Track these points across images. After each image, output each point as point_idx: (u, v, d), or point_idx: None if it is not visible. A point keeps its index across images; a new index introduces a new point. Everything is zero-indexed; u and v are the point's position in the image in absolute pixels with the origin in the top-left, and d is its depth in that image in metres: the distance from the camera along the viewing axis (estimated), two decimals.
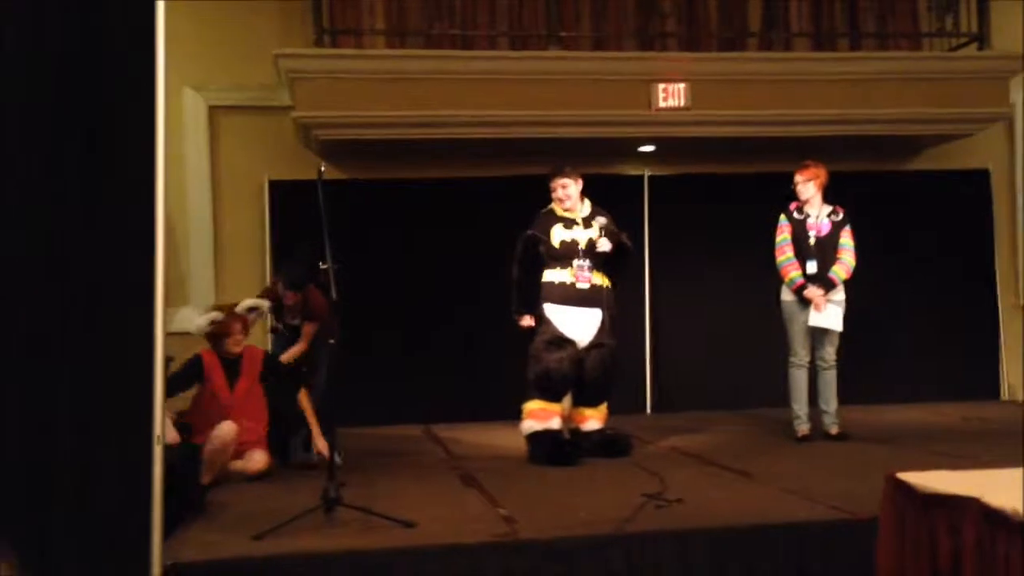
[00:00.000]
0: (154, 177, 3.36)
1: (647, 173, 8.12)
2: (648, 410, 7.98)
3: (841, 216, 6.17)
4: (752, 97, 7.34)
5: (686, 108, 7.28)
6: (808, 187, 6.12)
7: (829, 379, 6.15)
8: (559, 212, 5.72)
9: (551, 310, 5.61)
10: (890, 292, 7.96)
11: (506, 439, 6.07)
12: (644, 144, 7.88)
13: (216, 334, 5.40)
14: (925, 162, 8.46)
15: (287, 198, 7.52)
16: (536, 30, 7.55)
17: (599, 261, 5.68)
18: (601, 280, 5.70)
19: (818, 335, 6.11)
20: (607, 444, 5.71)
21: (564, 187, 5.68)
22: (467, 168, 7.82)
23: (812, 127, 7.48)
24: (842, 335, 6.14)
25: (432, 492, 4.80)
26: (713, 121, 7.37)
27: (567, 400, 5.78)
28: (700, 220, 7.98)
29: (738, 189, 7.97)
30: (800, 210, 6.17)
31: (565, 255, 5.64)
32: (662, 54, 7.58)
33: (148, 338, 3.33)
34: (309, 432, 5.44)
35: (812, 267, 6.05)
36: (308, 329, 5.92)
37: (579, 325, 5.61)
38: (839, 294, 6.08)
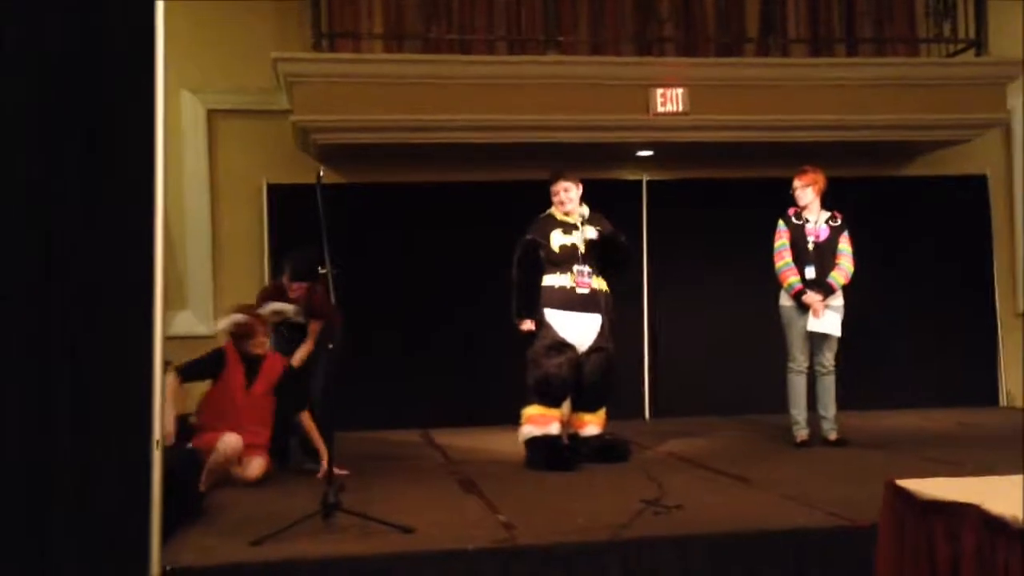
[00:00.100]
0: (153, 178, 3.37)
1: (645, 178, 8.12)
2: (647, 415, 7.98)
3: (839, 221, 6.18)
4: (750, 102, 7.35)
5: (684, 113, 7.28)
6: (806, 192, 6.13)
7: (828, 385, 6.15)
8: (558, 216, 5.73)
9: (551, 315, 5.61)
10: (888, 298, 7.97)
11: (504, 444, 6.06)
12: (642, 149, 7.89)
13: (239, 335, 5.40)
14: (923, 168, 8.47)
15: (285, 202, 7.52)
16: (534, 35, 7.56)
17: (598, 265, 5.68)
18: (601, 285, 5.70)
19: (817, 340, 6.11)
20: (606, 449, 5.70)
21: (566, 190, 5.68)
22: (465, 172, 7.83)
23: (810, 132, 7.49)
24: (840, 341, 6.14)
25: (431, 497, 4.79)
26: (711, 126, 7.38)
27: (566, 405, 5.78)
28: (698, 225, 7.99)
29: (736, 194, 7.98)
30: (798, 215, 6.17)
31: (564, 260, 5.64)
32: (660, 59, 7.59)
33: (147, 340, 3.33)
34: (307, 439, 5.43)
35: (810, 272, 6.05)
36: (314, 327, 5.87)
37: (579, 330, 5.61)
38: (838, 300, 6.09)
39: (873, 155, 8.16)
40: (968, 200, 8.43)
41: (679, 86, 7.27)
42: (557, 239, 5.67)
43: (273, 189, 7.67)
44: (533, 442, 5.59)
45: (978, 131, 7.92)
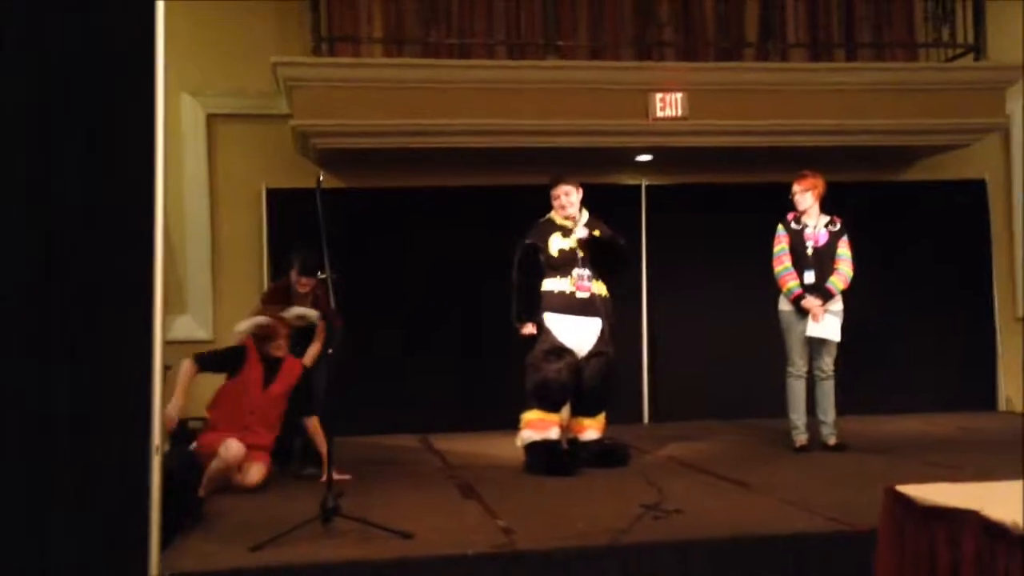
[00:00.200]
0: (153, 180, 3.37)
1: (644, 182, 8.13)
2: (646, 420, 7.98)
3: (838, 226, 6.18)
4: (749, 107, 7.36)
5: (683, 118, 7.29)
6: (806, 197, 6.13)
7: (827, 389, 6.15)
8: (558, 221, 5.73)
9: (550, 319, 5.61)
10: (887, 302, 7.97)
11: (503, 449, 6.06)
12: (641, 153, 7.89)
13: (261, 336, 5.40)
14: (921, 172, 8.48)
15: (284, 206, 7.52)
16: (534, 39, 7.56)
17: (597, 269, 5.68)
18: (600, 289, 5.70)
19: (816, 345, 6.11)
20: (605, 454, 5.70)
21: (567, 194, 5.68)
22: (465, 177, 7.83)
23: (809, 137, 7.50)
24: (839, 345, 6.14)
25: (430, 502, 4.79)
26: (710, 131, 7.39)
27: (565, 410, 5.78)
28: (697, 229, 7.99)
29: (735, 199, 7.98)
30: (798, 220, 6.18)
31: (564, 264, 5.64)
32: (659, 64, 7.59)
33: (146, 343, 3.33)
34: (309, 441, 5.42)
35: (810, 277, 6.06)
36: (322, 326, 5.86)
37: (578, 334, 5.61)
38: (837, 304, 6.09)
39: (872, 160, 8.17)
40: (967, 204, 8.44)
41: (678, 90, 7.28)
42: (556, 243, 5.67)
43: (272, 193, 7.67)
44: (532, 447, 5.59)
45: (977, 135, 7.93)
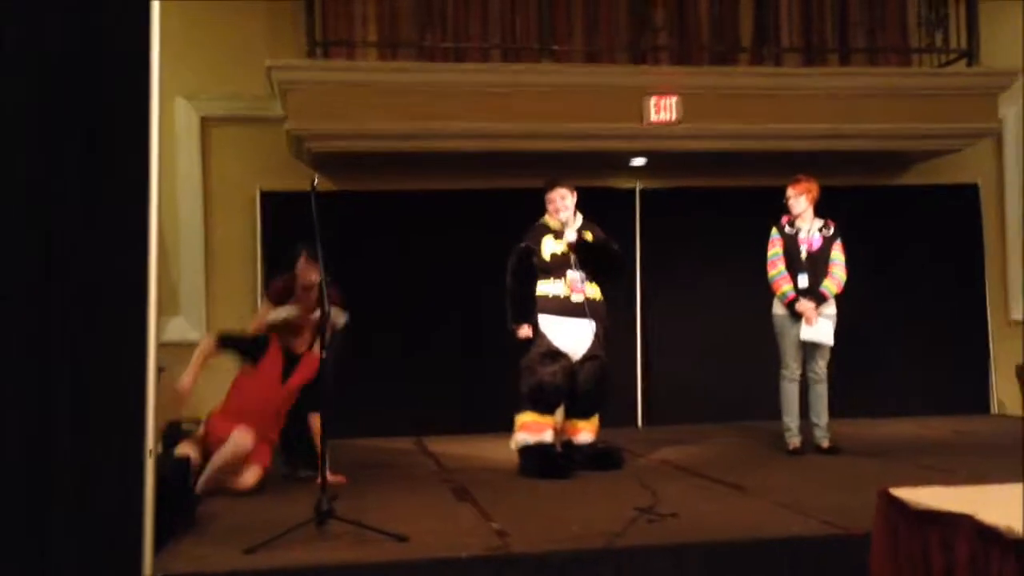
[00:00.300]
0: (149, 179, 3.36)
1: (639, 186, 8.14)
2: (640, 423, 7.99)
3: (832, 230, 6.20)
4: (743, 111, 7.37)
5: (678, 122, 7.31)
6: (800, 201, 6.15)
7: (820, 392, 6.17)
8: (552, 224, 5.74)
9: (545, 322, 5.62)
10: (880, 306, 7.99)
11: (498, 451, 6.06)
12: (636, 157, 7.90)
13: (286, 330, 5.37)
14: (915, 177, 8.51)
15: (279, 209, 7.52)
16: (529, 43, 7.57)
17: (591, 272, 5.69)
18: (595, 292, 5.71)
19: (809, 349, 6.12)
20: (599, 457, 5.70)
21: (562, 198, 5.69)
22: (459, 180, 7.83)
23: (803, 141, 7.52)
24: (833, 348, 6.16)
25: (424, 505, 4.79)
26: (704, 135, 7.40)
27: (559, 412, 5.78)
28: (691, 233, 8.01)
29: (729, 203, 8.00)
30: (792, 224, 6.19)
31: (557, 267, 5.65)
32: (654, 68, 7.61)
33: (141, 345, 3.33)
34: (310, 446, 5.40)
35: (804, 281, 6.07)
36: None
37: (573, 337, 5.61)
38: (830, 308, 6.10)
39: (866, 164, 8.19)
40: (960, 209, 8.47)
41: (673, 95, 7.30)
42: (549, 247, 5.68)
43: (267, 196, 7.67)
44: (527, 450, 5.59)
45: (970, 140, 7.97)
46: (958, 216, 8.46)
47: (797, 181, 6.19)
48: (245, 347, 5.41)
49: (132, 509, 3.26)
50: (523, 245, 5.73)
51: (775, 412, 6.26)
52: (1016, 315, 8.52)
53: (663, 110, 7.30)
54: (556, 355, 5.57)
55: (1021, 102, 8.33)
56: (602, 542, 3.83)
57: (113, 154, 3.35)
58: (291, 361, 5.40)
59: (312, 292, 5.81)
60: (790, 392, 6.16)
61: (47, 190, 3.27)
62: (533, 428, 5.57)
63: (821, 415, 6.18)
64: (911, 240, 8.26)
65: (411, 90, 7.09)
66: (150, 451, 3.31)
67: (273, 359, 5.37)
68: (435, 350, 7.66)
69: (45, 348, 3.23)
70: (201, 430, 5.33)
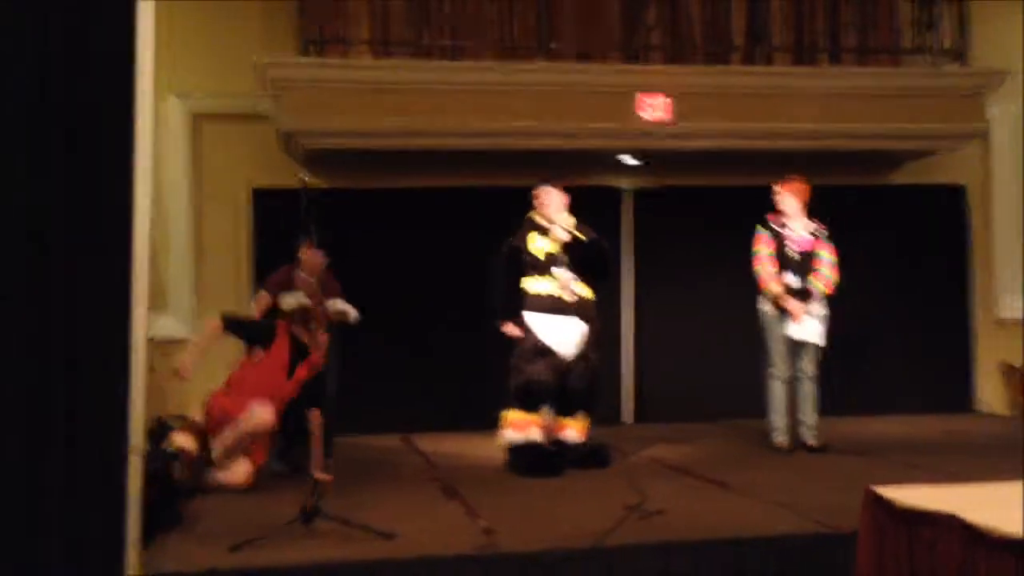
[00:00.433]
0: (133, 180, 3.35)
1: (631, 185, 8.14)
2: (629, 421, 7.99)
3: (822, 230, 6.21)
4: (735, 110, 7.38)
5: (670, 121, 7.30)
6: (790, 200, 6.16)
7: (808, 391, 6.18)
8: (543, 223, 5.74)
9: (534, 320, 5.62)
10: (866, 305, 8.00)
11: (487, 449, 6.06)
12: (628, 156, 7.90)
13: (298, 319, 5.32)
14: (903, 176, 8.53)
15: (270, 206, 7.49)
16: (522, 42, 7.56)
17: (580, 270, 5.69)
18: (585, 291, 5.71)
19: (797, 347, 6.14)
20: (587, 455, 5.71)
21: (550, 195, 5.69)
22: (452, 178, 7.82)
23: (794, 140, 7.52)
24: (821, 348, 6.17)
25: (412, 503, 4.79)
26: (696, 134, 7.40)
27: (548, 411, 5.78)
28: (683, 232, 8.01)
29: (721, 202, 8.00)
30: (781, 223, 6.20)
31: (547, 265, 5.65)
32: (647, 67, 7.61)
33: (124, 343, 3.31)
34: (289, 443, 5.38)
35: (792, 280, 6.08)
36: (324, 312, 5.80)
37: (562, 335, 5.62)
38: (820, 309, 6.12)
39: (855, 163, 8.21)
40: (948, 209, 8.49)
41: (665, 94, 7.29)
42: (539, 245, 5.68)
43: (258, 193, 7.65)
44: (515, 448, 5.59)
45: (959, 141, 7.98)
46: (945, 216, 8.48)
47: (787, 180, 6.21)
48: (252, 332, 5.32)
49: (118, 506, 3.24)
50: (513, 243, 5.74)
51: (763, 410, 6.27)
52: (1001, 314, 8.56)
53: (655, 109, 7.30)
54: (545, 353, 5.58)
55: (1012, 103, 8.35)
56: (590, 540, 3.83)
57: (100, 152, 3.34)
58: (299, 351, 5.31)
59: (314, 281, 5.77)
60: (777, 390, 6.17)
61: (33, 189, 3.26)
62: (520, 426, 5.57)
63: (809, 413, 6.19)
64: (899, 240, 8.28)
65: (404, 88, 7.07)
66: (136, 448, 3.30)
67: (280, 349, 5.29)
68: (424, 347, 7.65)
69: (31, 345, 3.22)
70: (198, 418, 5.26)
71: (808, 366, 6.15)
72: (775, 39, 7.92)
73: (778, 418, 6.18)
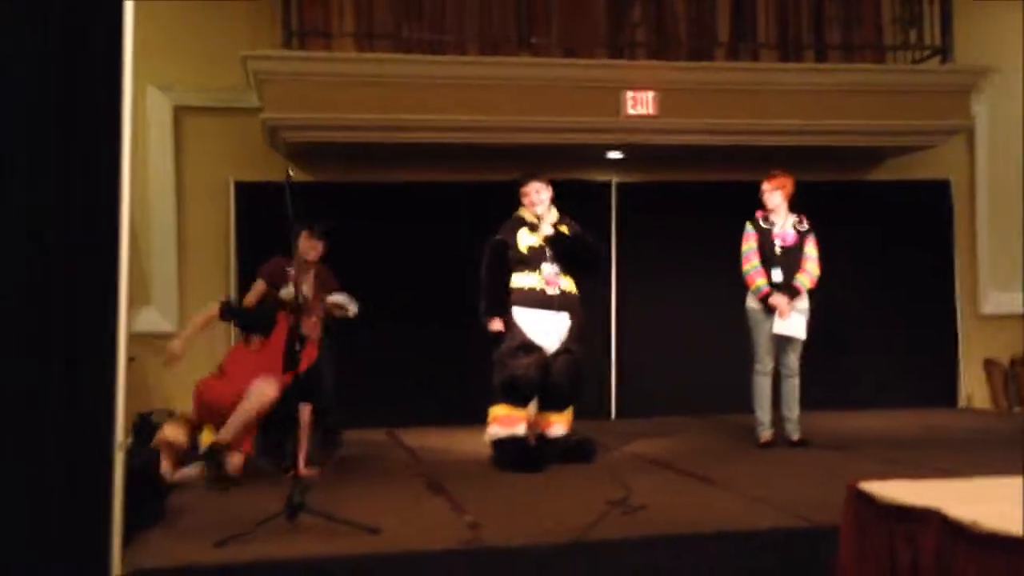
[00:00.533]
0: (119, 175, 3.33)
1: (615, 180, 8.16)
2: (613, 415, 8.01)
3: (806, 225, 6.24)
4: (719, 106, 7.40)
5: (654, 116, 7.32)
6: (774, 196, 6.18)
7: (792, 386, 6.22)
8: (528, 218, 5.74)
9: (519, 315, 5.62)
10: (851, 300, 8.05)
11: (471, 444, 6.06)
12: (612, 151, 7.91)
13: (297, 309, 5.26)
14: (888, 172, 8.58)
15: (253, 200, 7.47)
16: (506, 36, 7.55)
17: (566, 265, 5.70)
18: (569, 285, 5.72)
19: (782, 343, 6.17)
20: (572, 450, 5.72)
21: (537, 191, 5.70)
22: (435, 172, 7.82)
23: (778, 136, 7.56)
24: (804, 342, 6.20)
25: (397, 498, 4.78)
26: (681, 129, 7.42)
27: (533, 405, 5.79)
28: (667, 227, 8.03)
29: (705, 197, 8.03)
30: (766, 219, 6.22)
31: (532, 260, 5.66)
32: (631, 62, 7.61)
33: (110, 337, 3.29)
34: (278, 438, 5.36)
35: (777, 276, 6.11)
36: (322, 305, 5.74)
37: (547, 330, 5.62)
38: (803, 302, 6.15)
39: (840, 159, 8.24)
40: (932, 204, 8.55)
41: (650, 89, 7.31)
42: (524, 240, 5.69)
43: (241, 187, 7.62)
44: (500, 442, 5.60)
45: (943, 137, 8.03)
46: (930, 211, 8.53)
47: (772, 176, 6.23)
48: (250, 320, 5.26)
49: (93, 513, 3.22)
50: (498, 238, 5.74)
51: (747, 405, 6.30)
52: (985, 310, 8.62)
53: (640, 104, 7.31)
54: (530, 348, 5.58)
55: (997, 99, 8.42)
56: (574, 535, 3.84)
57: (84, 145, 3.31)
58: (293, 343, 5.25)
59: (309, 271, 5.74)
60: (762, 386, 6.20)
61: (9, 185, 3.23)
62: (506, 421, 5.57)
63: (793, 409, 6.22)
64: (884, 235, 8.32)
65: (388, 81, 7.06)
66: (119, 443, 3.29)
67: (280, 336, 5.23)
68: (409, 342, 7.64)
69: (12, 338, 3.20)
70: (187, 409, 5.22)
71: (792, 361, 6.19)
72: (760, 35, 7.95)
73: (763, 413, 6.21)
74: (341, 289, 5.51)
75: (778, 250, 6.15)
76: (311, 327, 5.34)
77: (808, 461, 5.73)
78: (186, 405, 5.49)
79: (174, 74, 7.51)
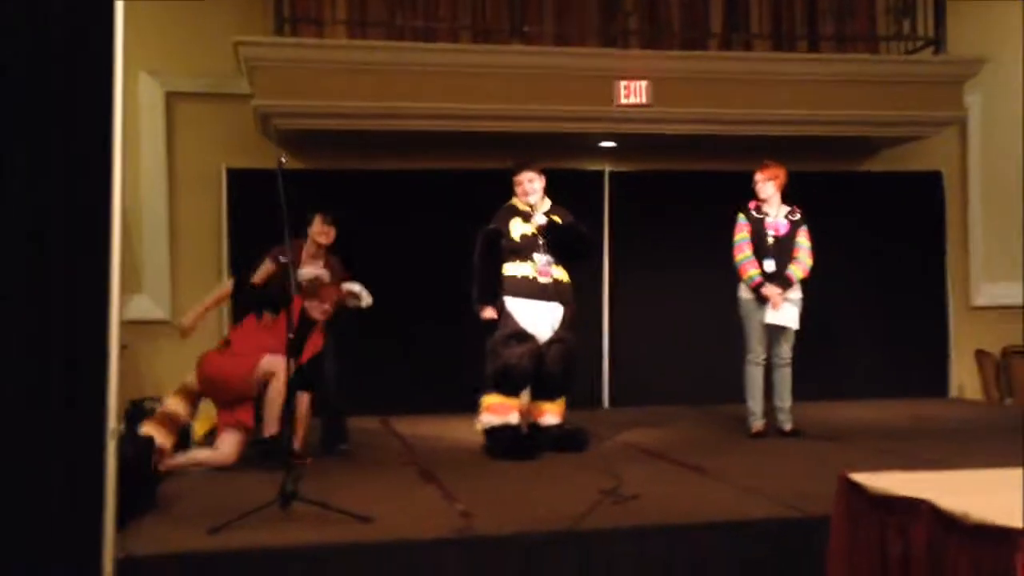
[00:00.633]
0: (110, 162, 3.31)
1: (608, 169, 8.15)
2: (605, 404, 8.03)
3: (798, 216, 6.24)
4: (712, 96, 7.39)
5: (647, 105, 7.31)
6: (767, 186, 6.18)
7: (784, 376, 6.23)
8: (521, 207, 5.73)
9: (512, 304, 5.62)
10: (843, 290, 8.07)
11: (464, 432, 6.07)
12: (605, 140, 7.90)
13: (311, 292, 5.25)
14: (880, 163, 8.59)
15: (245, 187, 7.44)
16: (499, 24, 7.53)
17: (559, 254, 5.70)
18: (562, 274, 5.72)
19: (774, 333, 6.18)
20: (564, 439, 5.73)
21: (530, 181, 5.69)
22: (427, 160, 7.80)
23: (771, 126, 7.56)
24: (796, 332, 6.21)
25: (389, 486, 4.79)
26: (673, 119, 7.41)
27: (525, 394, 5.80)
28: (659, 216, 8.03)
29: (697, 187, 8.03)
30: (759, 209, 6.23)
31: (525, 249, 5.66)
32: (624, 51, 7.60)
33: (101, 324, 3.28)
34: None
35: (770, 266, 6.11)
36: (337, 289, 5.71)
37: (539, 319, 5.62)
38: (796, 293, 6.16)
39: (833, 150, 8.25)
40: (924, 196, 8.56)
41: (643, 78, 7.29)
42: (518, 228, 5.68)
43: (233, 174, 7.59)
44: (492, 431, 5.60)
45: (936, 128, 8.04)
46: (922, 202, 8.55)
47: (765, 166, 6.23)
48: (261, 301, 5.22)
49: (85, 500, 3.22)
50: (491, 227, 5.73)
51: (739, 395, 6.31)
52: (976, 301, 8.65)
53: (632, 93, 7.30)
54: (522, 337, 5.58)
55: (989, 90, 8.43)
56: (567, 524, 3.85)
57: (74, 132, 3.29)
58: (305, 329, 5.22)
59: (320, 257, 5.72)
60: (755, 376, 6.21)
61: (6, 168, 3.21)
62: (498, 410, 5.58)
63: (785, 399, 6.24)
64: (876, 226, 8.33)
65: (380, 69, 7.03)
66: (112, 431, 3.28)
67: (291, 316, 5.18)
68: (402, 330, 7.63)
69: (4, 327, 3.18)
70: (189, 379, 5.18)
71: (784, 352, 6.20)
72: (753, 25, 7.94)
73: (755, 403, 6.23)
74: (352, 278, 5.48)
75: (770, 240, 6.15)
76: (323, 312, 5.31)
77: (800, 451, 5.75)
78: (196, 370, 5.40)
79: (165, 59, 7.46)
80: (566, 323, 5.71)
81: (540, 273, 5.64)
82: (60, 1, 3.30)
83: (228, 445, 5.07)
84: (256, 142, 7.53)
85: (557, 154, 7.51)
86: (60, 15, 3.29)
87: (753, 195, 6.24)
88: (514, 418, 5.63)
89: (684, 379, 7.93)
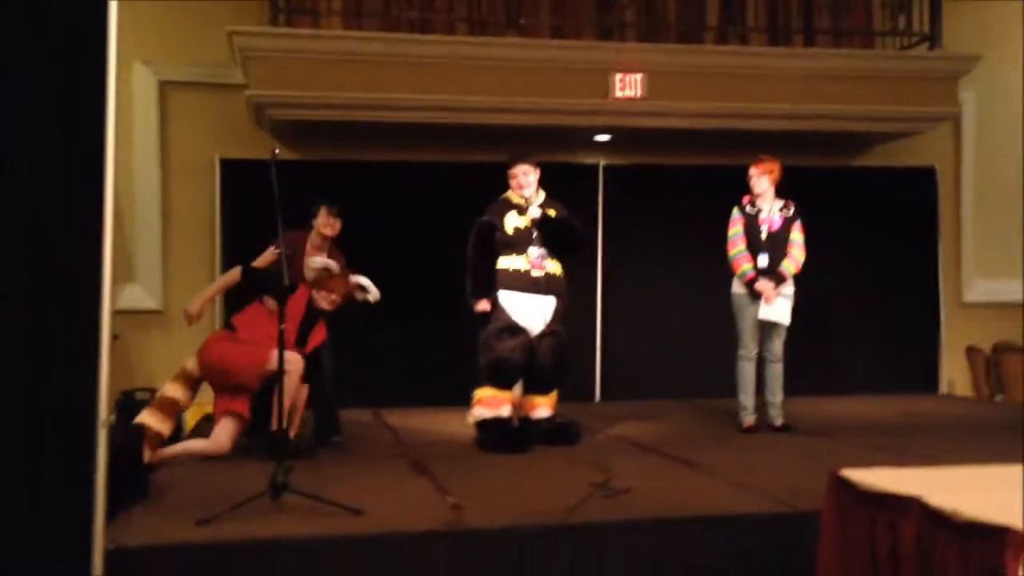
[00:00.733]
0: (103, 152, 3.30)
1: (602, 162, 8.15)
2: (597, 398, 8.04)
3: (792, 211, 6.24)
4: (708, 90, 7.39)
5: (642, 99, 7.31)
6: (761, 181, 6.18)
7: (776, 372, 6.24)
8: (515, 200, 5.73)
9: (505, 297, 5.62)
10: (836, 286, 8.09)
11: (456, 425, 6.07)
12: (600, 133, 7.90)
13: (319, 282, 5.22)
14: (874, 159, 8.60)
15: (238, 177, 7.42)
16: (495, 16, 7.52)
17: (552, 247, 5.69)
18: (555, 268, 5.72)
19: (767, 328, 6.18)
20: (556, 432, 5.73)
21: (524, 174, 5.68)
22: (422, 152, 7.79)
23: (766, 121, 7.56)
24: (788, 328, 6.22)
25: (381, 478, 4.78)
26: (669, 112, 7.41)
27: (517, 387, 5.79)
28: (654, 210, 8.04)
29: (692, 181, 8.03)
30: (753, 204, 6.23)
31: (519, 242, 5.65)
32: (620, 44, 7.60)
33: (94, 315, 3.27)
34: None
35: (763, 261, 6.12)
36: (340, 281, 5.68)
37: (532, 313, 5.62)
38: (788, 288, 6.16)
39: (827, 145, 8.26)
40: (918, 191, 8.58)
41: (638, 71, 7.29)
42: (511, 222, 5.68)
43: (226, 164, 7.57)
44: (484, 424, 5.60)
45: (930, 124, 8.06)
46: (915, 198, 8.57)
47: (760, 161, 6.22)
48: (269, 283, 5.08)
49: (76, 491, 3.21)
50: (485, 220, 5.73)
51: (731, 390, 6.32)
52: (968, 297, 8.67)
53: (628, 87, 7.30)
54: (515, 330, 5.58)
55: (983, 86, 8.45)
56: (558, 517, 3.85)
57: (68, 120, 3.28)
58: (310, 317, 5.20)
59: (325, 248, 5.70)
60: (747, 371, 6.22)
61: (5, 167, 3.20)
62: (491, 403, 5.58)
63: (776, 394, 6.25)
64: (869, 221, 8.35)
65: (375, 60, 7.01)
66: (103, 421, 3.27)
67: (298, 306, 5.14)
68: (394, 322, 7.61)
69: None
70: (190, 364, 5.17)
71: (776, 347, 6.21)
72: (749, 19, 7.94)
73: (747, 398, 6.24)
74: (354, 272, 5.48)
75: (764, 235, 6.15)
76: (331, 303, 5.28)
77: (791, 446, 5.76)
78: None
79: (159, 48, 7.43)
80: (559, 316, 5.71)
81: (534, 266, 5.64)
82: (59, 1, 3.28)
83: (224, 434, 5.02)
84: (250, 132, 7.51)
85: (552, 147, 7.51)
86: (59, 15, 3.27)
87: (747, 189, 6.24)
88: (506, 411, 5.63)
89: (676, 373, 7.95)
